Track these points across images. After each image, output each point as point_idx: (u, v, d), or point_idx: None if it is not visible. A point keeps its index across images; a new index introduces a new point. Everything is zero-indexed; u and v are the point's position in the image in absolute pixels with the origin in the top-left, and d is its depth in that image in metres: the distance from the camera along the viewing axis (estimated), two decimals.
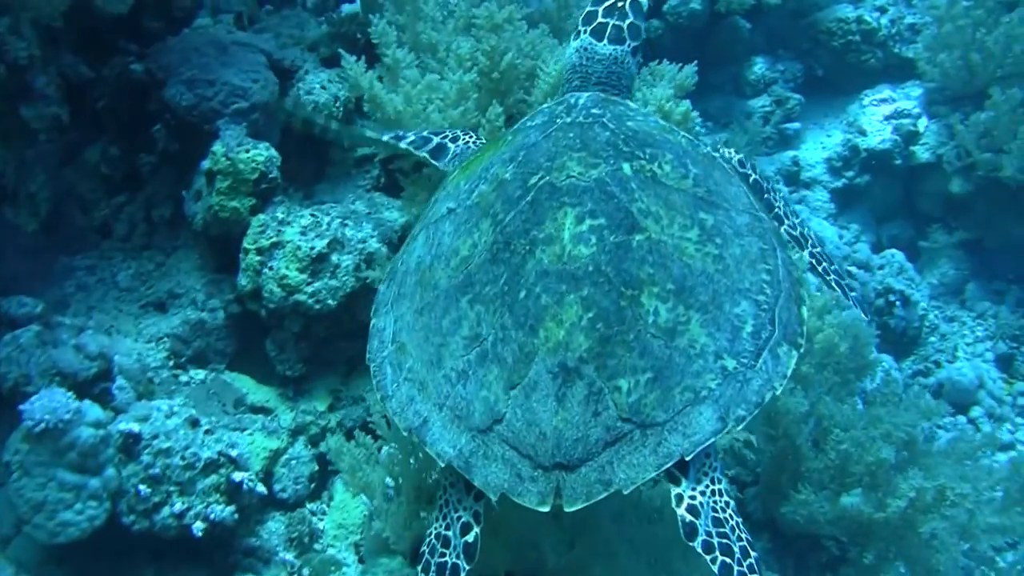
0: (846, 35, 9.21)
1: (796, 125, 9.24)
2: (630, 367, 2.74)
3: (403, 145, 4.16)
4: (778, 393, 2.85)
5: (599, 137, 3.19)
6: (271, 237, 5.29)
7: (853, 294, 3.76)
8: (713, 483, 2.82)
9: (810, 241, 3.71)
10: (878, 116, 8.90)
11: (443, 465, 2.89)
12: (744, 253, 3.00)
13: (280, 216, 5.36)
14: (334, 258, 5.25)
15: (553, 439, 2.68)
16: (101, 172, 6.07)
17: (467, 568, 2.90)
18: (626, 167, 3.07)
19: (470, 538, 2.92)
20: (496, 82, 4.95)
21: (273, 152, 5.53)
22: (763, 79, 9.40)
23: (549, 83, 4.83)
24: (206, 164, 5.47)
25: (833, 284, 3.74)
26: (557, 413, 2.70)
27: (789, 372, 2.89)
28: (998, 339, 8.31)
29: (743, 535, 2.75)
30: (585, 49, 3.74)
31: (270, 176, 5.47)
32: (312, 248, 5.22)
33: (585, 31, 3.75)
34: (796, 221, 3.70)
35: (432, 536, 3.05)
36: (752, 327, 2.86)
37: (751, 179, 3.57)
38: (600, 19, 3.73)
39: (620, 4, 3.71)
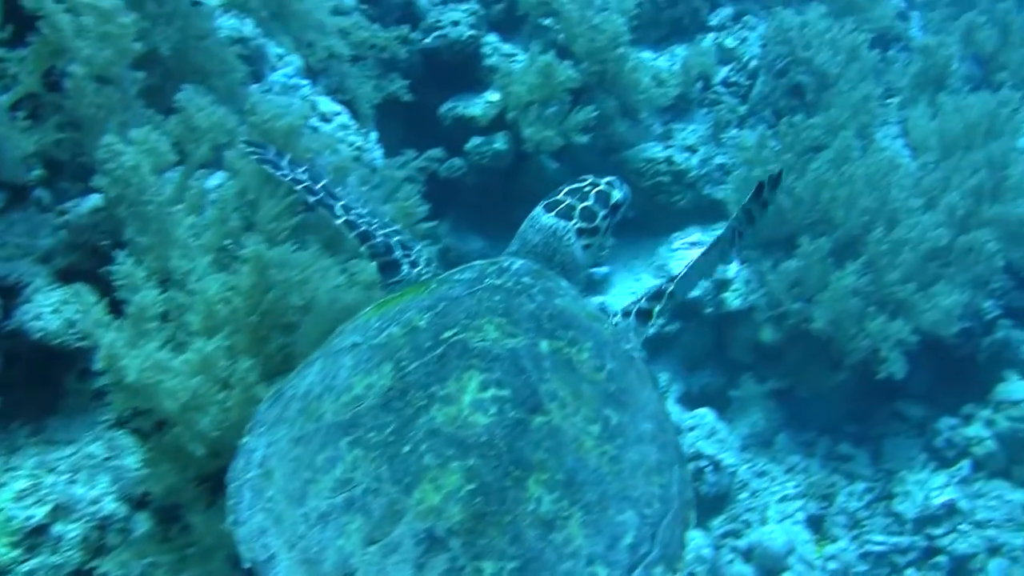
0: (655, 176, 8.97)
1: (605, 269, 8.84)
2: (498, 551, 2.58)
3: (364, 248, 3.82)
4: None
5: (524, 307, 3.09)
6: None
7: None
8: None
9: None
10: (688, 261, 8.58)
11: None
12: (642, 460, 2.89)
13: None
14: (57, 528, 4.18)
15: None
16: None
17: None
18: (544, 345, 2.97)
19: None
20: (255, 327, 3.89)
21: None
22: None
23: (321, 329, 3.84)
24: None
25: None
26: None
27: None
28: (808, 498, 8.01)
29: None
30: (531, 218, 3.67)
31: None
32: (29, 518, 4.16)
33: (542, 204, 3.71)
34: None
35: None
36: (632, 539, 2.73)
37: None
38: (559, 196, 3.69)
39: (586, 189, 3.66)
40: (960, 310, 7.73)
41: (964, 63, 11.12)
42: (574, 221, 3.59)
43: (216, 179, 4.48)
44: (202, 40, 4.89)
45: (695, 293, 8.41)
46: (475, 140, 8.59)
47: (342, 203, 3.82)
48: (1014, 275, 8.52)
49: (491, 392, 2.80)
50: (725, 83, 9.98)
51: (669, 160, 8.99)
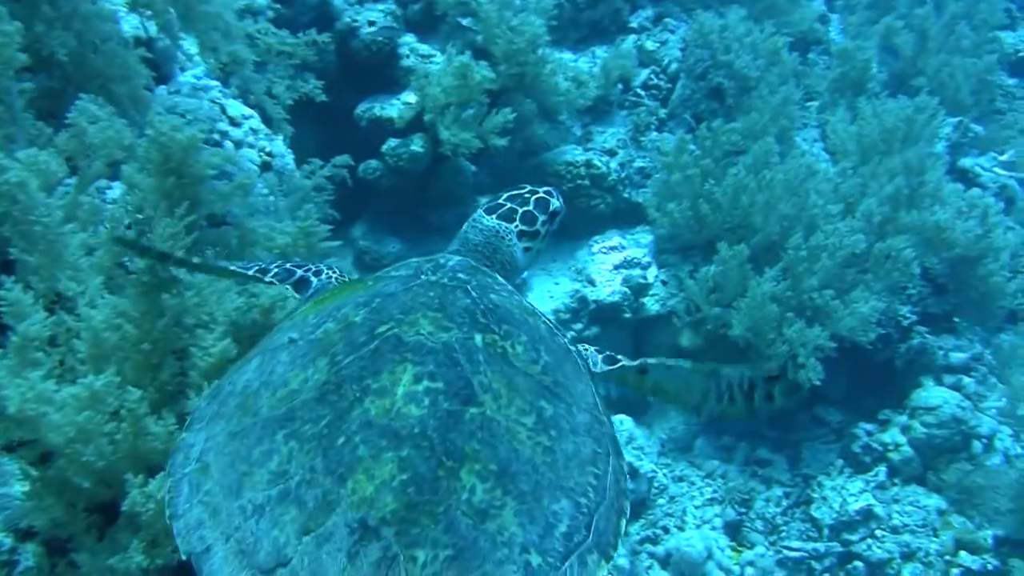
0: (575, 179, 8.84)
1: (523, 275, 8.64)
2: (432, 540, 2.61)
3: (267, 279, 3.79)
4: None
5: (458, 302, 3.17)
6: None
7: None
8: None
9: None
10: (607, 265, 8.54)
11: None
12: (576, 451, 2.93)
13: None
14: None
15: None
16: None
17: None
18: (478, 338, 3.03)
19: None
20: (147, 354, 3.59)
21: None
22: None
23: (209, 362, 3.61)
24: None
25: None
26: (345, 570, 2.56)
27: None
28: (727, 504, 7.96)
29: None
30: (473, 220, 3.85)
31: None
32: None
33: (482, 208, 3.90)
34: None
35: None
36: (567, 527, 2.77)
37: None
38: (500, 201, 3.88)
39: (526, 195, 3.86)
40: (877, 317, 7.73)
41: (884, 66, 11.25)
42: (515, 224, 3.76)
43: (114, 191, 4.21)
44: (103, 44, 4.63)
45: (614, 298, 8.34)
46: (391, 142, 8.39)
47: (234, 266, 3.79)
48: (930, 281, 8.58)
49: (424, 384, 2.84)
50: (645, 86, 9.88)
51: (588, 163, 8.86)
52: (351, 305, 3.21)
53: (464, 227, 3.88)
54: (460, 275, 3.35)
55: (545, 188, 3.97)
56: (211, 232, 3.91)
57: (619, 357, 3.57)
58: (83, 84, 4.45)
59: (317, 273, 3.87)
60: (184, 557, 2.78)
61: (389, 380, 2.87)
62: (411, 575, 2.58)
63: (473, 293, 3.24)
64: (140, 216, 3.55)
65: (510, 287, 3.56)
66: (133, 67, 4.61)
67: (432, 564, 2.60)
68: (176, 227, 3.49)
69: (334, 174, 4.63)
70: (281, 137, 6.34)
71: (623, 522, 2.93)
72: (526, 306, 3.41)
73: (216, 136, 5.67)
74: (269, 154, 5.94)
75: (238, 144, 5.84)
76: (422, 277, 3.32)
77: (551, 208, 3.88)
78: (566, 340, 3.38)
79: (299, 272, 3.85)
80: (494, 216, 3.80)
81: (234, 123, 5.96)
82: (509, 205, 3.83)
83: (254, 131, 5.87)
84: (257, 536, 2.70)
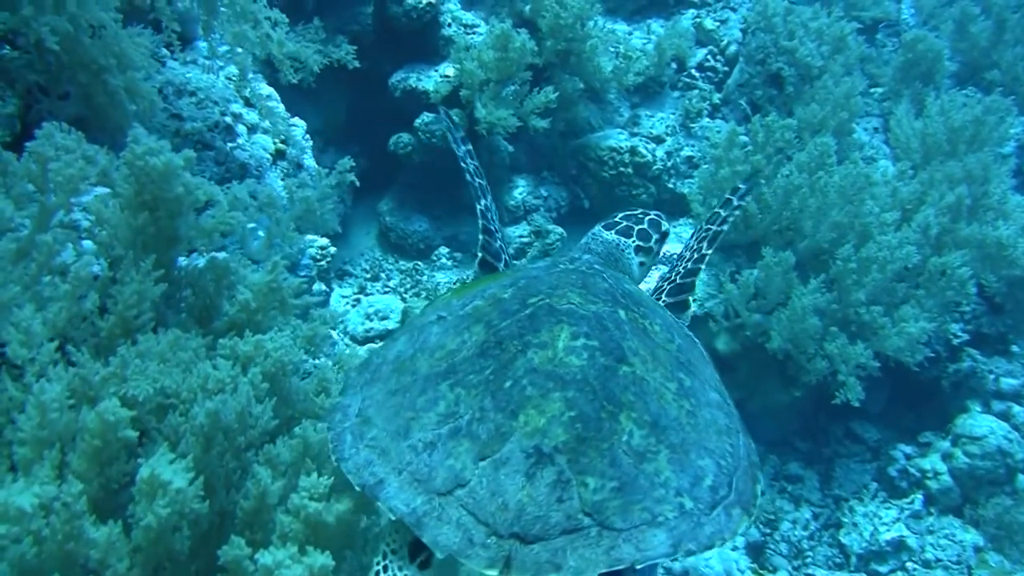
0: (617, 166, 8.36)
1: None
2: (599, 471, 2.79)
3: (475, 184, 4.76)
4: (726, 546, 3.02)
5: (599, 284, 3.40)
6: None
7: None
8: None
9: None
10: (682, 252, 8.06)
11: (393, 519, 2.84)
12: (713, 420, 3.10)
13: None
14: None
15: (515, 511, 2.72)
16: None
17: None
18: (621, 313, 3.24)
19: None
20: (97, 449, 2.81)
21: None
22: (524, 205, 8.35)
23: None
24: None
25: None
26: (523, 488, 2.74)
27: (739, 533, 2.99)
28: (751, 523, 7.57)
29: None
30: (593, 234, 4.26)
31: None
32: None
33: (600, 225, 4.33)
34: None
35: None
36: (712, 482, 2.92)
37: None
38: (616, 219, 4.30)
39: (640, 215, 4.24)
40: (926, 338, 7.26)
41: (957, 53, 10.59)
42: (633, 239, 4.13)
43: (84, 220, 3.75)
44: (98, 31, 4.22)
45: None
46: (426, 117, 7.96)
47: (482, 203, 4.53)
48: (986, 299, 8.05)
49: (581, 341, 3.04)
50: (700, 67, 9.37)
51: (633, 150, 8.38)
52: (496, 287, 3.42)
53: (583, 240, 4.28)
54: (596, 266, 3.66)
55: (655, 212, 4.37)
56: (185, 272, 3.49)
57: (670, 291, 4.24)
58: (74, 76, 4.07)
59: (501, 248, 4.32)
60: (358, 488, 2.94)
61: (548, 336, 3.06)
62: (583, 498, 2.76)
63: (610, 280, 3.48)
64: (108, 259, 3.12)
65: (636, 285, 3.87)
66: (131, 57, 4.19)
67: (601, 491, 2.78)
68: (144, 283, 3.08)
69: (341, 180, 4.24)
70: (302, 126, 5.91)
71: (759, 488, 3.12)
72: (653, 300, 3.74)
73: (228, 119, 5.27)
74: (284, 142, 5.53)
75: (252, 129, 5.44)
76: (560, 266, 3.61)
77: (662, 229, 4.28)
78: (688, 332, 3.66)
79: (500, 263, 4.24)
80: (612, 232, 4.19)
81: (249, 104, 5.55)
82: (625, 223, 4.21)
83: (271, 114, 5.45)
84: (431, 466, 2.87)
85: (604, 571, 2.72)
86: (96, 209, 3.14)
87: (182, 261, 3.41)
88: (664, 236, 4.26)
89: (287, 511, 2.85)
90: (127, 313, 2.99)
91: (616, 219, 4.28)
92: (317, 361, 3.98)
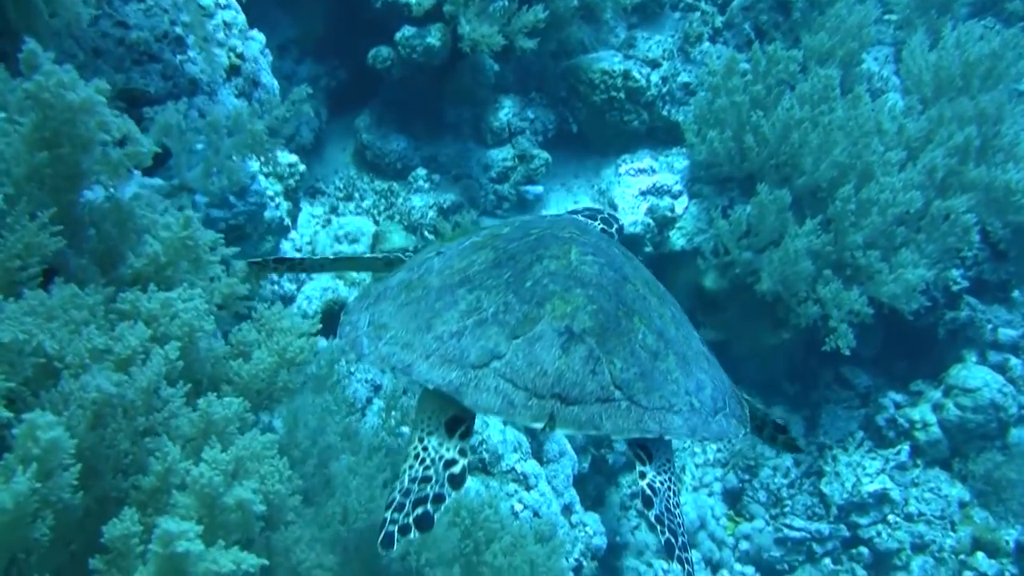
0: (609, 90, 7.88)
1: (538, 189, 7.86)
2: (623, 356, 2.91)
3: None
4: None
5: (590, 228, 3.50)
6: None
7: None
8: (671, 482, 2.99)
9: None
10: (633, 190, 7.70)
11: (431, 388, 2.89)
12: (701, 351, 3.22)
13: None
14: None
15: (554, 376, 2.82)
16: None
17: (452, 494, 2.89)
18: (615, 249, 3.29)
19: (456, 470, 2.90)
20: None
21: None
22: (509, 127, 7.90)
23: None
24: None
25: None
26: (560, 358, 2.84)
27: (736, 438, 3.23)
28: (730, 468, 7.35)
29: (685, 533, 2.93)
30: (560, 216, 4.22)
31: None
32: None
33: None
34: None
35: (406, 480, 2.92)
36: (711, 393, 3.06)
37: None
38: (577, 210, 4.24)
39: (595, 212, 4.10)
40: (924, 285, 6.92)
41: None
42: (598, 223, 4.04)
43: None
44: None
45: (635, 229, 7.55)
46: (407, 30, 7.43)
47: None
48: (989, 245, 7.69)
49: (590, 257, 3.11)
50: None
51: (626, 74, 7.89)
52: (491, 229, 3.43)
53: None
54: (580, 219, 3.73)
55: (609, 211, 4.27)
56: (89, 209, 3.11)
57: None
58: None
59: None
60: (389, 370, 3.07)
61: (559, 251, 3.12)
62: (613, 375, 2.86)
63: (598, 233, 3.48)
64: None
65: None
66: None
67: (627, 371, 2.88)
68: (39, 236, 2.72)
69: (293, 111, 3.86)
70: (261, 39, 5.44)
71: (746, 410, 3.19)
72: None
73: (179, 29, 4.85)
74: (239, 56, 5.10)
75: (205, 40, 5.01)
76: (547, 218, 3.67)
77: (616, 226, 4.18)
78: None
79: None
80: (578, 216, 4.12)
81: (205, 13, 5.12)
82: (588, 213, 4.15)
83: (227, 25, 5.03)
84: (462, 348, 2.90)
85: (635, 435, 2.89)
86: None
87: (87, 194, 3.04)
88: (620, 231, 4.20)
89: (182, 488, 2.53)
90: (10, 264, 2.63)
91: (577, 210, 4.31)
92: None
